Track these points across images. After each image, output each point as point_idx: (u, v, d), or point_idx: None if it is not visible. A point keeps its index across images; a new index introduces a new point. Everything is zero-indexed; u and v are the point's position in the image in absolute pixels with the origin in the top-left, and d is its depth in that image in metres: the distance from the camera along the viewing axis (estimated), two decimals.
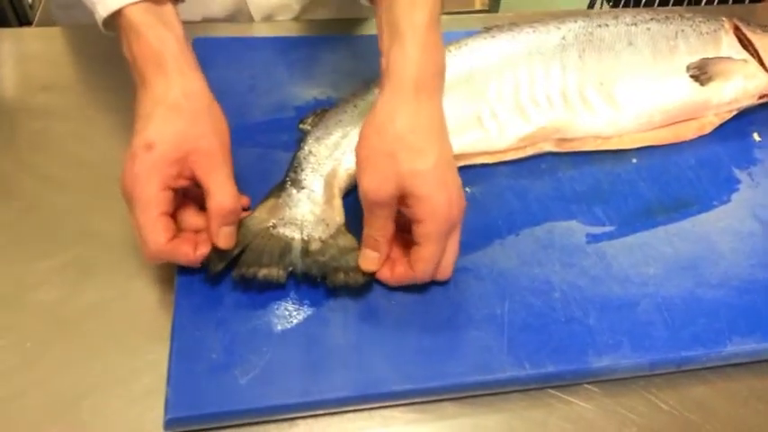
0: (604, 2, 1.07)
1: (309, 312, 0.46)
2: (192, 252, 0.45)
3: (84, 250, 0.50)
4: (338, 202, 0.51)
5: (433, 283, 0.48)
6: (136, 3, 0.45)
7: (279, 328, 0.45)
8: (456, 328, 0.46)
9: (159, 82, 0.45)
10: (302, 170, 0.51)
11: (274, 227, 0.48)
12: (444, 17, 0.75)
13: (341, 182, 0.52)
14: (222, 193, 0.45)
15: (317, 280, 0.46)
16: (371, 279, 0.47)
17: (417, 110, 0.44)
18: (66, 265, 0.49)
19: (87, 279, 0.49)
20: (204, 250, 0.46)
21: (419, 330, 0.45)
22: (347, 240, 0.48)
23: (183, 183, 0.45)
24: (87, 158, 0.57)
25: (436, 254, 0.45)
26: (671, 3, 0.94)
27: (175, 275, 0.47)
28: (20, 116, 0.61)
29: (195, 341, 0.43)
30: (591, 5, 1.16)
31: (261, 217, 0.49)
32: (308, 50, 0.67)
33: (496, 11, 1.99)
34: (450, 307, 0.47)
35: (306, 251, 0.47)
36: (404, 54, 0.44)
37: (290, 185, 0.51)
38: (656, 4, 0.95)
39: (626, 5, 1.00)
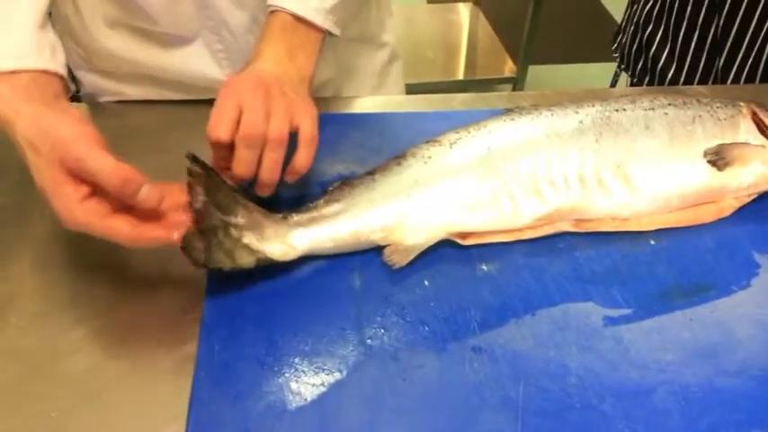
0: (627, 78, 1.09)
1: (324, 390, 0.47)
2: (127, 228, 0.48)
3: (114, 319, 0.52)
4: (298, 249, 0.54)
5: (448, 362, 0.48)
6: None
7: (293, 405, 0.46)
8: (470, 410, 0.46)
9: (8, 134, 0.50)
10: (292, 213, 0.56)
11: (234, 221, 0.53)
12: (469, 96, 0.79)
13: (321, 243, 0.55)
14: (102, 170, 0.46)
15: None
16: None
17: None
18: (96, 334, 0.51)
19: (114, 349, 0.51)
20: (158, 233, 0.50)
21: (433, 411, 0.46)
22: (248, 258, 0.52)
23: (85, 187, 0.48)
24: None
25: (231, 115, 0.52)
26: (695, 81, 0.96)
27: (197, 348, 0.49)
28: None
29: (211, 416, 0.44)
30: (614, 83, 1.19)
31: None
32: (334, 126, 0.70)
33: (523, 81, 2.04)
34: (464, 388, 0.47)
35: (226, 223, 0.52)
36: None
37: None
38: (680, 83, 0.96)
39: (650, 83, 1.02)
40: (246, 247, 0.52)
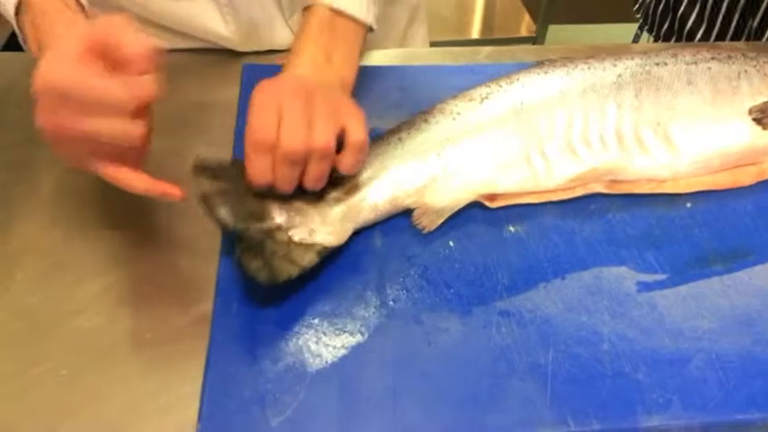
0: (649, 39, 1.04)
1: (345, 352, 0.45)
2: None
3: (123, 277, 0.50)
4: (346, 226, 0.50)
5: (473, 326, 0.46)
6: None
7: (313, 367, 0.44)
8: (497, 376, 0.44)
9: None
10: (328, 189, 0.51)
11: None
12: (495, 49, 0.75)
13: (362, 214, 0.52)
14: (130, 38, 0.41)
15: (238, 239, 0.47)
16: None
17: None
18: (104, 292, 0.49)
19: (125, 306, 0.48)
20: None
21: (458, 377, 0.44)
22: (308, 255, 0.48)
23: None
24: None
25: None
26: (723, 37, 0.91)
27: (213, 307, 0.47)
28: None
29: (228, 377, 0.43)
30: (636, 39, 1.14)
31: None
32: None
33: (542, 41, 1.98)
34: (491, 353, 0.45)
35: (269, 230, 0.48)
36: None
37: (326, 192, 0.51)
38: (696, 38, 0.91)
39: (666, 40, 0.97)
40: (301, 244, 0.48)
